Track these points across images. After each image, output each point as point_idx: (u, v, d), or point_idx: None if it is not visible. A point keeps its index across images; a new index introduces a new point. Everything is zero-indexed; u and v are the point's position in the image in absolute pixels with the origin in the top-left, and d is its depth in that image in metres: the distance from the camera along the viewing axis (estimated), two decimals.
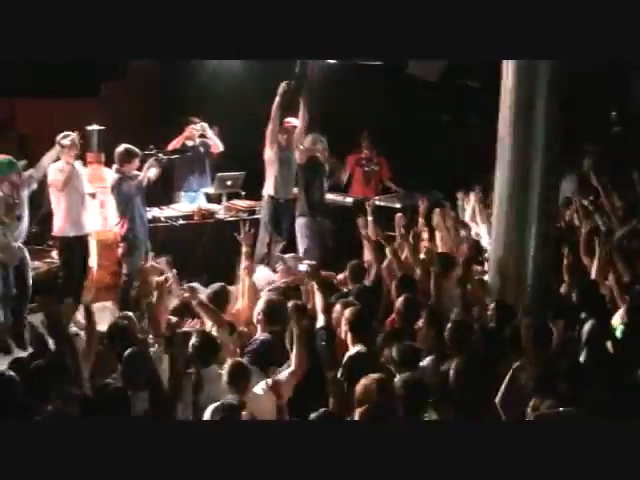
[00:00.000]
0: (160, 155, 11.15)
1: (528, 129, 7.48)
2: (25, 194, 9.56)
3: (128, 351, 6.56)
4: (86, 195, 10.49)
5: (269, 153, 11.72)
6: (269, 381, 6.38)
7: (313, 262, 8.22)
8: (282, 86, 11.45)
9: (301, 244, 11.59)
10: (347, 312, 7.12)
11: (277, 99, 11.45)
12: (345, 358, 6.69)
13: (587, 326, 7.30)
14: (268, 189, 11.86)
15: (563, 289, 8.34)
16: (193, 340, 6.71)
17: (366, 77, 13.21)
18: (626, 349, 6.93)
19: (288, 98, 11.56)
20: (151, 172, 10.53)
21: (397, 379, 5.91)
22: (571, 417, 5.49)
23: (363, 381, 5.79)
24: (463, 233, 9.89)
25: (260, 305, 7.54)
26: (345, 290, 8.30)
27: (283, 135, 11.74)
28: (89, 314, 6.96)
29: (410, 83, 11.65)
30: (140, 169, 10.46)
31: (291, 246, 11.61)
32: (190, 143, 12.62)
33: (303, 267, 8.33)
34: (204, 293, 7.90)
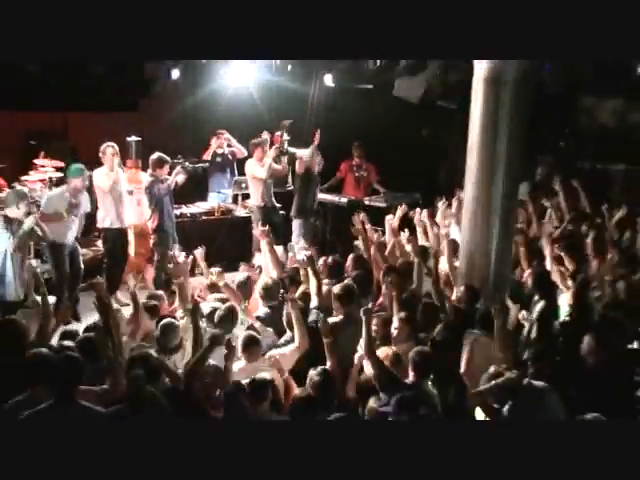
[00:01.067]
0: (187, 163, 11.38)
1: (492, 142, 7.44)
2: (83, 198, 9.87)
3: (162, 322, 6.72)
4: (125, 194, 10.65)
5: (256, 174, 11.91)
6: (273, 353, 6.59)
7: (309, 253, 8.34)
8: (274, 149, 11.80)
9: (296, 239, 11.72)
10: (336, 287, 7.30)
11: (271, 155, 11.76)
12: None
13: (538, 307, 7.45)
14: (257, 201, 11.99)
15: (519, 276, 8.48)
16: (220, 311, 6.90)
17: (358, 98, 13.33)
18: (572, 326, 7.08)
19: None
20: (179, 177, 10.69)
21: (413, 351, 6.05)
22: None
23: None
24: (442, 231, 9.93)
25: (259, 286, 7.78)
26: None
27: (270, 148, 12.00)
28: (134, 297, 7.15)
29: (396, 103, 11.77)
30: (170, 174, 10.64)
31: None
32: (220, 151, 12.83)
33: (300, 256, 8.46)
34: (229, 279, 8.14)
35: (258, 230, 8.74)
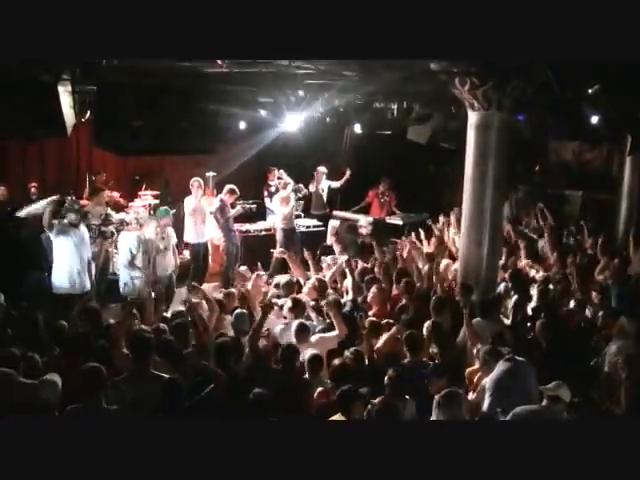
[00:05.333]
0: (246, 206, 11.77)
1: (483, 174, 7.31)
2: (169, 231, 9.36)
3: (236, 312, 6.77)
4: (206, 216, 10.78)
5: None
6: (317, 337, 6.41)
7: (346, 257, 8.29)
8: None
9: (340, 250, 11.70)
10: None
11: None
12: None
13: (514, 298, 7.38)
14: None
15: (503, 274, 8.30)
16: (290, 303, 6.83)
17: (380, 141, 13.26)
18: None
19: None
20: (237, 213, 11.18)
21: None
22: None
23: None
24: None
25: (311, 283, 7.65)
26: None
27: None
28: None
29: (409, 145, 11.73)
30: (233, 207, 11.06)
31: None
32: (272, 183, 12.88)
33: (340, 259, 8.42)
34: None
35: (277, 252, 8.59)
